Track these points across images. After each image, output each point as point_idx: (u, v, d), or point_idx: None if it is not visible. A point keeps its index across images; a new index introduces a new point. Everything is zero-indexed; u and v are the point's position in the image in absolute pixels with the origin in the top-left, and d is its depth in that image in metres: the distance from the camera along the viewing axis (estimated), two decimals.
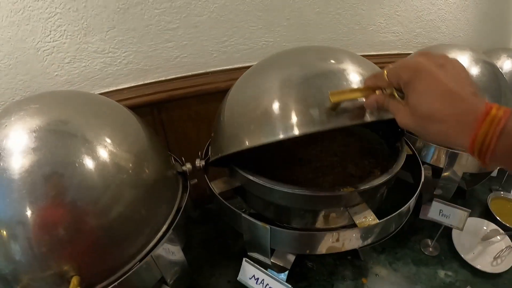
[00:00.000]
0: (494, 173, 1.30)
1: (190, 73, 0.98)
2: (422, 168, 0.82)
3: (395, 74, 0.48)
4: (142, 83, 0.95)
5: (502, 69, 1.28)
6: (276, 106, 0.60)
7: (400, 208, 0.71)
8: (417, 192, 0.75)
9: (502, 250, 1.02)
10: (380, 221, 0.66)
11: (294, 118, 0.57)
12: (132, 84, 0.94)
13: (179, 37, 0.93)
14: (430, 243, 1.03)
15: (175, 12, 0.90)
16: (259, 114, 0.61)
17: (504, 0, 1.56)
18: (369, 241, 0.70)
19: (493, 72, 0.99)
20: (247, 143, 0.61)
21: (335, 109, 0.55)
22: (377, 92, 0.53)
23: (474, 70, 0.96)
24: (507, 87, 1.02)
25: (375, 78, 0.53)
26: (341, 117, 0.56)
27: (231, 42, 1.00)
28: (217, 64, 1.01)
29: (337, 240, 0.65)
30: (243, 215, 0.66)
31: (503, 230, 1.10)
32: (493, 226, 1.11)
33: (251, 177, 0.68)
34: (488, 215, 1.15)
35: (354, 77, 0.63)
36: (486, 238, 1.07)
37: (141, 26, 0.88)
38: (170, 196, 0.68)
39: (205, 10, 0.92)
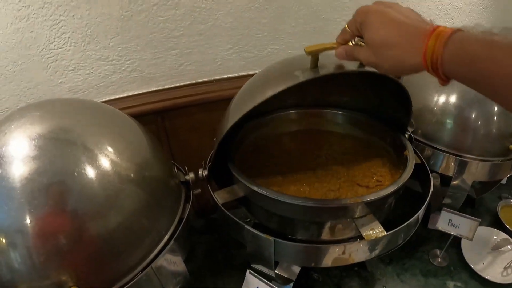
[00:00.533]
0: (504, 181, 1.28)
1: (194, 81, 0.98)
2: (431, 177, 0.80)
3: (352, 22, 0.53)
4: (146, 91, 0.94)
5: None
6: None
7: (408, 218, 0.69)
8: (426, 202, 0.73)
9: None
10: (388, 233, 0.65)
11: (281, 80, 0.61)
12: (136, 92, 0.94)
13: (183, 45, 0.92)
14: (438, 254, 1.01)
15: (179, 20, 0.89)
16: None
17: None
18: (376, 252, 0.68)
19: None
20: (240, 113, 0.64)
21: (315, 66, 0.62)
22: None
23: None
24: None
25: (341, 34, 0.57)
26: (321, 71, 0.61)
27: (236, 50, 0.99)
28: (221, 72, 1.00)
29: (343, 253, 0.64)
30: (246, 226, 0.65)
31: None
32: (503, 235, 1.09)
33: (255, 188, 0.66)
34: (498, 224, 1.13)
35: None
36: (496, 247, 1.05)
37: (145, 34, 0.88)
38: (172, 206, 0.67)
39: (210, 18, 0.91)
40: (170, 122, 0.95)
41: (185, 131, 0.98)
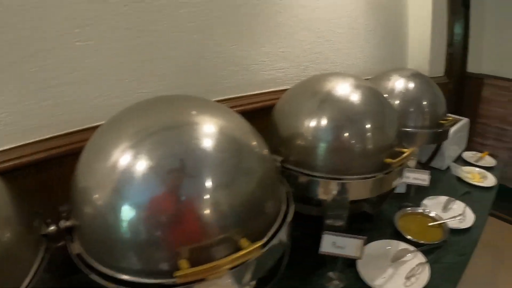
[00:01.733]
0: (402, 189, 1.32)
1: (67, 131, 0.98)
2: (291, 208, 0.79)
3: None
4: (22, 143, 0.93)
5: (394, 89, 1.34)
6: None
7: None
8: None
9: (413, 268, 1.03)
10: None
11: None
12: (12, 146, 0.93)
13: (56, 95, 0.93)
14: (332, 276, 1.00)
15: (50, 70, 0.91)
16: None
17: (398, 24, 1.63)
18: (246, 281, 0.67)
19: (374, 96, 1.02)
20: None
21: None
22: None
23: (354, 97, 0.98)
24: (391, 108, 1.05)
25: None
26: None
27: (105, 97, 1.00)
28: (93, 120, 1.00)
29: None
30: (90, 275, 0.65)
31: (415, 246, 1.10)
32: (403, 245, 1.12)
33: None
34: (398, 235, 1.16)
35: (209, 128, 0.67)
36: (396, 258, 1.08)
37: (17, 87, 0.88)
38: (29, 259, 0.66)
39: (79, 66, 0.94)
40: (46, 173, 0.94)
41: (62, 181, 0.95)
